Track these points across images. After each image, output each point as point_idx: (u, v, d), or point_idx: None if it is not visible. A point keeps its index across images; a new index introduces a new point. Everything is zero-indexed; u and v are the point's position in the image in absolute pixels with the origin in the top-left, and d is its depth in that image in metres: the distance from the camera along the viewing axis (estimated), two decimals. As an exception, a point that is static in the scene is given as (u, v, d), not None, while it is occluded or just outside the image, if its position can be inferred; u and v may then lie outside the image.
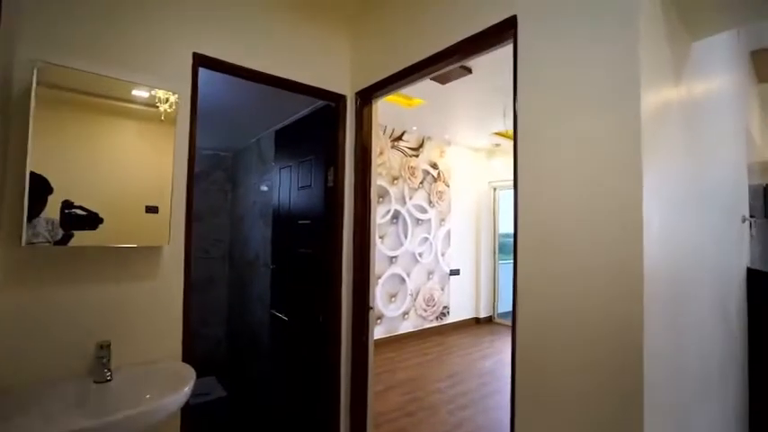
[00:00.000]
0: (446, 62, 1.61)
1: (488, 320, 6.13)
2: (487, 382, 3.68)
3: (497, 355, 4.50)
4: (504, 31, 1.40)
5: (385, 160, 4.87)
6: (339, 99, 1.94)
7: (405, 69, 1.72)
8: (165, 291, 1.49)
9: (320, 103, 2.02)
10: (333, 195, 1.82)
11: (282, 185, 2.39)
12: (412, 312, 5.15)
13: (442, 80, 3.34)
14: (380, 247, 4.78)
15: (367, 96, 1.92)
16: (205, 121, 2.81)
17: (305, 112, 2.26)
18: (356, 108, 1.95)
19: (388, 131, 4.92)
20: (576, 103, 1.18)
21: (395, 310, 4.95)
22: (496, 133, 5.29)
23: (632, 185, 1.03)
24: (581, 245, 1.14)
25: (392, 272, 4.92)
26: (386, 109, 4.24)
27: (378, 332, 4.73)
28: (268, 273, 2.60)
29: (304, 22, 1.85)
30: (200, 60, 1.54)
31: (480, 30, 1.49)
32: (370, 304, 1.84)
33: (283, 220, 2.38)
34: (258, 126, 2.84)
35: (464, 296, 5.88)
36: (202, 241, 3.41)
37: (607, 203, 1.09)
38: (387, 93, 1.87)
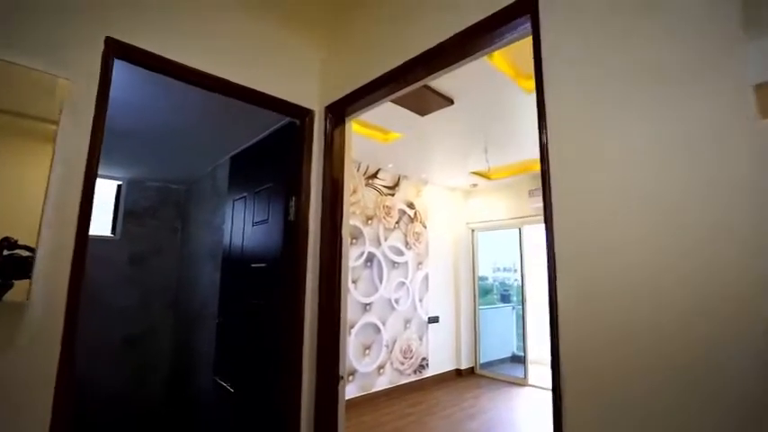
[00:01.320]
0: (436, 62, 1.32)
1: (470, 372, 5.64)
2: (477, 452, 3.18)
3: (483, 414, 4.01)
4: (518, 12, 1.12)
5: (359, 198, 4.55)
6: (305, 115, 1.62)
7: (386, 74, 1.42)
8: (23, 369, 1.01)
9: (283, 121, 1.69)
10: (294, 232, 1.44)
11: (235, 220, 2.00)
12: (388, 366, 4.62)
13: (422, 111, 3.12)
14: (354, 294, 4.33)
15: (339, 112, 1.61)
16: (149, 148, 2.43)
17: (265, 133, 1.92)
18: (326, 127, 1.62)
19: (363, 168, 4.65)
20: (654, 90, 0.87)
21: (369, 365, 4.42)
22: (474, 172, 5.12)
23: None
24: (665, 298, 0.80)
25: (366, 321, 4.45)
26: (360, 144, 3.98)
27: (350, 391, 4.17)
28: (214, 327, 2.13)
29: (264, 21, 1.55)
30: (117, 49, 1.18)
31: (485, 16, 1.21)
32: (341, 372, 1.42)
33: (234, 263, 1.96)
34: (213, 152, 2.48)
35: (444, 346, 5.42)
36: (143, 287, 2.88)
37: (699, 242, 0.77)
38: (364, 107, 1.56)
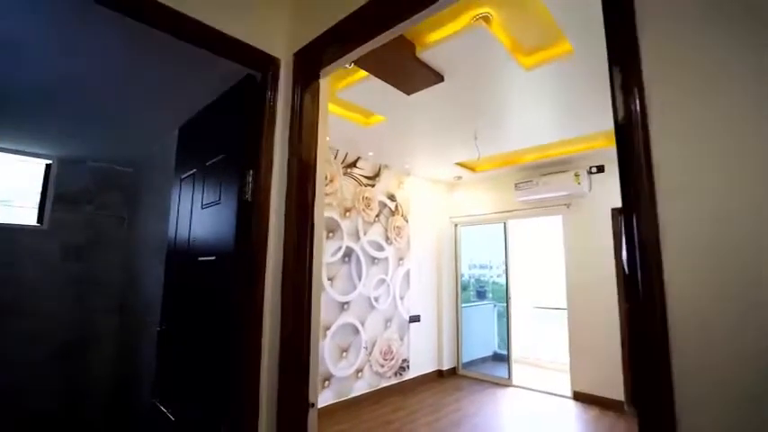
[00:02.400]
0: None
1: (453, 372, 5.40)
2: (464, 465, 2.91)
3: (468, 420, 3.75)
4: None
5: (336, 188, 4.19)
6: (268, 64, 1.26)
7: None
8: None
9: (240, 77, 1.33)
10: (251, 216, 1.09)
11: (182, 203, 1.62)
12: (367, 369, 4.30)
13: (408, 88, 2.79)
14: (330, 292, 3.98)
15: (312, 62, 1.26)
16: (79, 117, 1.99)
17: (218, 95, 1.54)
18: (295, 83, 1.27)
19: (341, 156, 4.29)
20: None
21: (347, 368, 4.09)
22: (460, 164, 4.85)
23: None
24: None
25: (343, 321, 4.11)
26: (339, 128, 3.62)
27: (326, 397, 3.83)
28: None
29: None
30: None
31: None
32: (311, 398, 1.09)
33: (179, 257, 1.59)
34: (160, 123, 2.07)
35: (426, 346, 5.15)
36: (80, 286, 2.44)
37: None
38: (344, 53, 1.20)
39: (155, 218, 2.23)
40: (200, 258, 1.37)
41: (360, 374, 4.22)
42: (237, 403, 1.05)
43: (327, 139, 3.68)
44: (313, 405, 1.09)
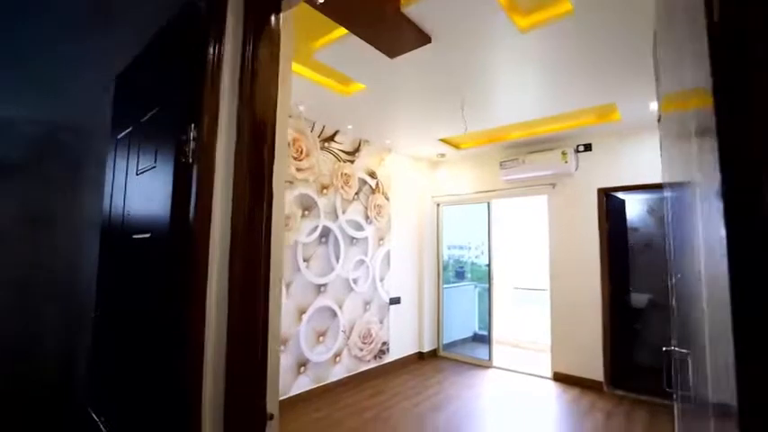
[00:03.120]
0: None
1: (433, 354, 5.31)
2: (446, 452, 2.80)
3: (449, 404, 3.65)
4: None
5: (313, 163, 3.91)
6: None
7: None
8: None
9: (178, 6, 1.05)
10: (190, 181, 0.85)
11: (117, 169, 1.34)
12: (345, 353, 4.14)
13: (392, 50, 2.52)
14: (306, 274, 3.75)
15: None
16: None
17: (153, 34, 1.24)
18: (247, 13, 0.99)
19: (318, 129, 3.99)
20: None
21: (324, 353, 3.91)
22: (443, 140, 4.63)
23: None
24: None
25: (320, 304, 3.90)
26: (315, 97, 3.32)
27: (302, 383, 3.65)
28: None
29: None
30: None
31: None
32: (269, 408, 0.87)
33: (114, 234, 1.32)
34: (98, 72, 1.74)
35: (406, 328, 5.02)
36: (13, 272, 2.13)
37: None
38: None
39: (96, 189, 1.92)
40: (135, 236, 1.11)
41: (338, 359, 4.05)
42: (177, 411, 0.83)
43: (293, 102, 3.32)
44: (272, 417, 0.88)
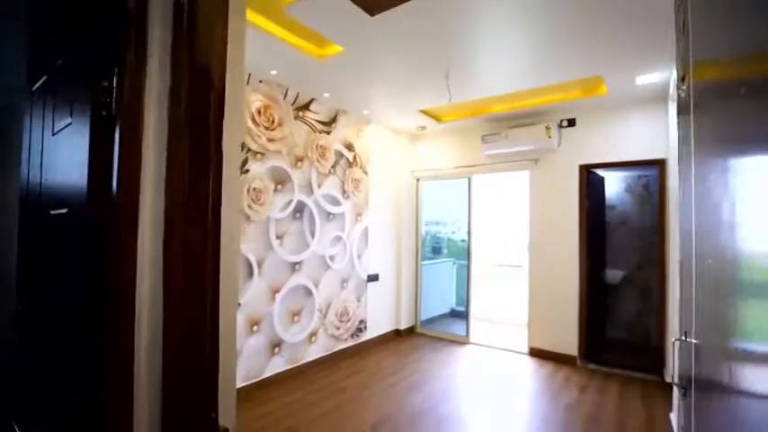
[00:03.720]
0: None
1: (411, 331, 5.28)
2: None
3: (426, 384, 3.61)
4: None
5: (286, 134, 3.64)
6: None
7: None
8: None
9: None
10: (112, 140, 0.64)
11: (34, 130, 1.08)
12: (321, 333, 4.01)
13: (371, 6, 2.26)
14: (279, 251, 3.55)
15: None
16: None
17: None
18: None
19: (291, 96, 3.69)
20: None
21: (299, 333, 3.77)
22: (424, 111, 4.42)
23: None
24: None
25: (295, 283, 3.72)
26: (287, 60, 3.03)
27: (276, 364, 3.51)
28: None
29: None
30: None
31: None
32: (223, 422, 0.71)
33: (31, 209, 1.08)
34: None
35: (384, 306, 4.93)
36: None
37: None
38: None
39: (13, 153, 1.62)
40: (52, 212, 0.88)
41: (313, 339, 3.92)
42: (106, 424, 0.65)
43: (264, 66, 3.00)
44: (227, 431, 0.72)
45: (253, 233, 3.31)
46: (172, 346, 0.64)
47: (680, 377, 0.99)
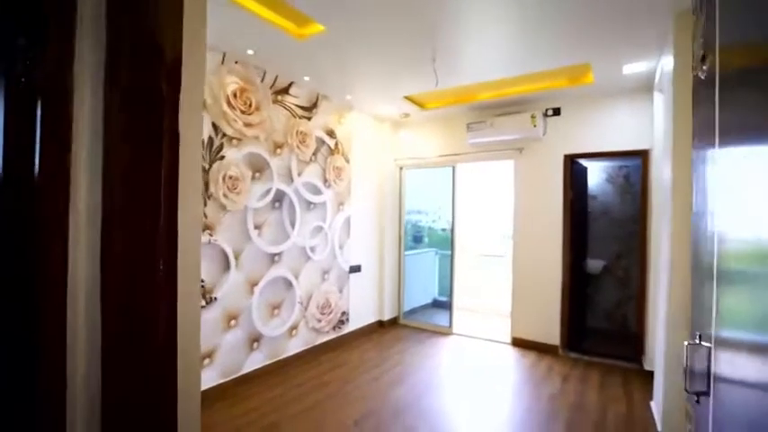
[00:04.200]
0: None
1: (394, 322, 5.22)
2: (411, 426, 2.68)
3: (410, 376, 3.56)
4: None
5: (264, 119, 3.45)
6: None
7: None
8: None
9: None
10: (33, 110, 0.50)
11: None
12: (302, 325, 3.89)
13: (356, -21, 2.10)
14: (257, 242, 3.39)
15: None
16: None
17: None
18: None
19: (269, 78, 3.50)
20: None
21: (279, 327, 3.63)
22: (408, 98, 4.28)
23: None
24: None
25: (274, 275, 3.58)
26: (265, 39, 2.84)
27: (256, 360, 3.38)
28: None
29: None
30: None
31: None
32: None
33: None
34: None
35: (366, 297, 4.84)
36: None
37: None
38: None
39: None
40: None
41: (294, 332, 3.80)
42: None
43: (239, 45, 2.79)
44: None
45: (229, 223, 3.13)
46: (115, 372, 0.51)
47: (691, 382, 0.92)
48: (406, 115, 4.87)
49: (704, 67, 0.90)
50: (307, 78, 3.67)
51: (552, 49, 2.99)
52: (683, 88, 2.40)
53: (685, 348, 0.93)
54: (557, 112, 4.20)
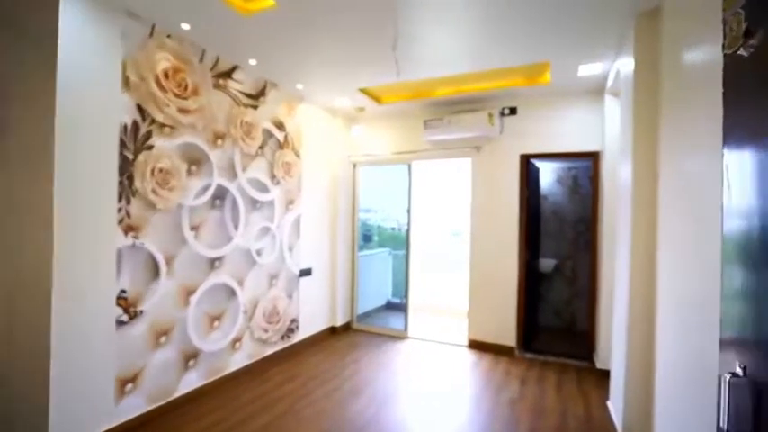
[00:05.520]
0: None
1: (347, 328, 4.95)
2: (370, 447, 2.44)
3: (368, 386, 3.33)
4: None
5: (203, 105, 3.03)
6: None
7: None
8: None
9: None
10: None
11: None
12: (246, 337, 3.51)
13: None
14: (194, 245, 2.97)
15: None
16: None
17: None
18: None
19: (209, 59, 3.08)
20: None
21: (219, 340, 3.23)
22: (364, 91, 4.04)
23: None
24: None
25: (214, 282, 3.17)
26: (204, 13, 2.45)
27: (190, 381, 2.96)
28: None
29: None
30: None
31: None
32: None
33: None
34: None
35: (317, 302, 4.53)
36: None
37: None
38: None
39: None
40: None
41: (238, 345, 3.41)
42: None
43: (172, 19, 2.37)
44: None
45: (160, 224, 2.69)
46: None
47: (731, 420, 0.77)
48: (361, 109, 4.62)
49: (751, 42, 0.75)
50: (253, 62, 3.29)
51: (514, 43, 2.90)
52: (645, 89, 2.39)
53: (724, 382, 0.78)
54: (513, 111, 4.17)
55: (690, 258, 1.73)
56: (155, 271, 2.67)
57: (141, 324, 2.58)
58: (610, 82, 3.38)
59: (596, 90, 3.76)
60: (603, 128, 3.70)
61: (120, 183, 2.44)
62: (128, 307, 2.49)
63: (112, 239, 2.40)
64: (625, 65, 2.74)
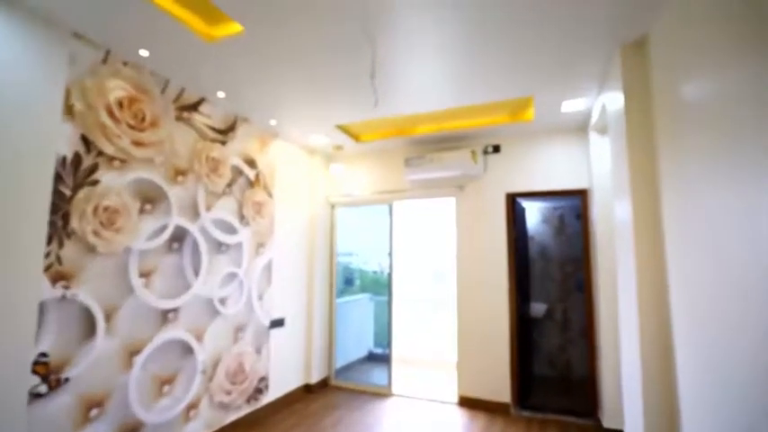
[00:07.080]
0: None
1: (323, 385, 4.44)
2: None
3: (347, 458, 2.84)
4: None
5: (162, 138, 2.75)
6: None
7: None
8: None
9: None
10: None
11: None
12: (204, 402, 3.01)
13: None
14: (142, 295, 2.56)
15: None
16: None
17: None
18: None
19: (173, 91, 2.84)
20: None
21: (170, 408, 2.74)
22: (341, 127, 3.86)
23: None
24: None
25: (167, 338, 2.73)
26: (164, 38, 2.23)
27: (128, 460, 2.43)
28: None
29: None
30: None
31: None
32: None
33: None
34: None
35: (291, 356, 4.06)
36: None
37: None
38: None
39: None
40: None
41: (193, 412, 2.91)
42: None
43: (129, 45, 2.17)
44: None
45: (100, 270, 2.31)
46: None
47: None
48: (339, 147, 4.43)
49: None
50: (221, 95, 3.08)
51: (496, 77, 2.78)
52: (638, 123, 2.25)
53: None
54: (497, 149, 4.05)
55: (718, 302, 1.47)
56: (90, 328, 2.25)
57: (65, 395, 2.11)
58: (594, 118, 3.29)
59: (580, 127, 3.68)
60: (590, 165, 3.58)
61: (52, 223, 2.08)
62: (47, 374, 2.04)
63: (36, 290, 2.00)
64: (612, 99, 2.64)
